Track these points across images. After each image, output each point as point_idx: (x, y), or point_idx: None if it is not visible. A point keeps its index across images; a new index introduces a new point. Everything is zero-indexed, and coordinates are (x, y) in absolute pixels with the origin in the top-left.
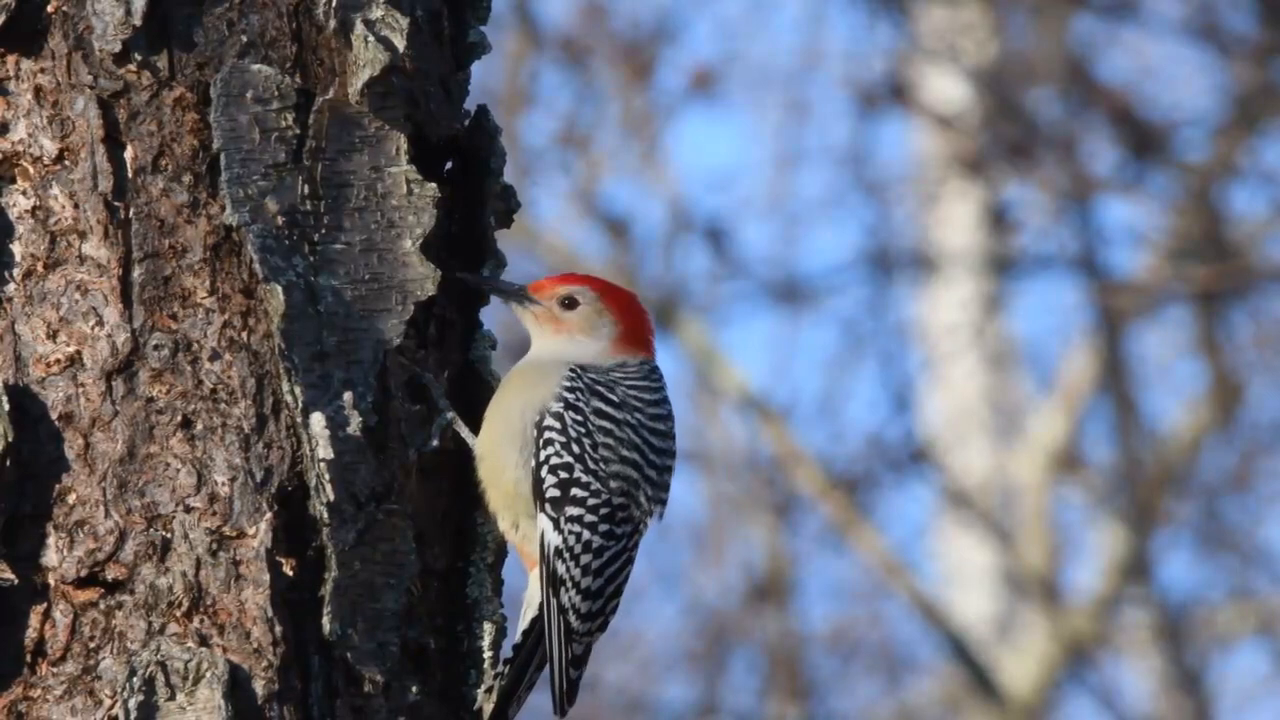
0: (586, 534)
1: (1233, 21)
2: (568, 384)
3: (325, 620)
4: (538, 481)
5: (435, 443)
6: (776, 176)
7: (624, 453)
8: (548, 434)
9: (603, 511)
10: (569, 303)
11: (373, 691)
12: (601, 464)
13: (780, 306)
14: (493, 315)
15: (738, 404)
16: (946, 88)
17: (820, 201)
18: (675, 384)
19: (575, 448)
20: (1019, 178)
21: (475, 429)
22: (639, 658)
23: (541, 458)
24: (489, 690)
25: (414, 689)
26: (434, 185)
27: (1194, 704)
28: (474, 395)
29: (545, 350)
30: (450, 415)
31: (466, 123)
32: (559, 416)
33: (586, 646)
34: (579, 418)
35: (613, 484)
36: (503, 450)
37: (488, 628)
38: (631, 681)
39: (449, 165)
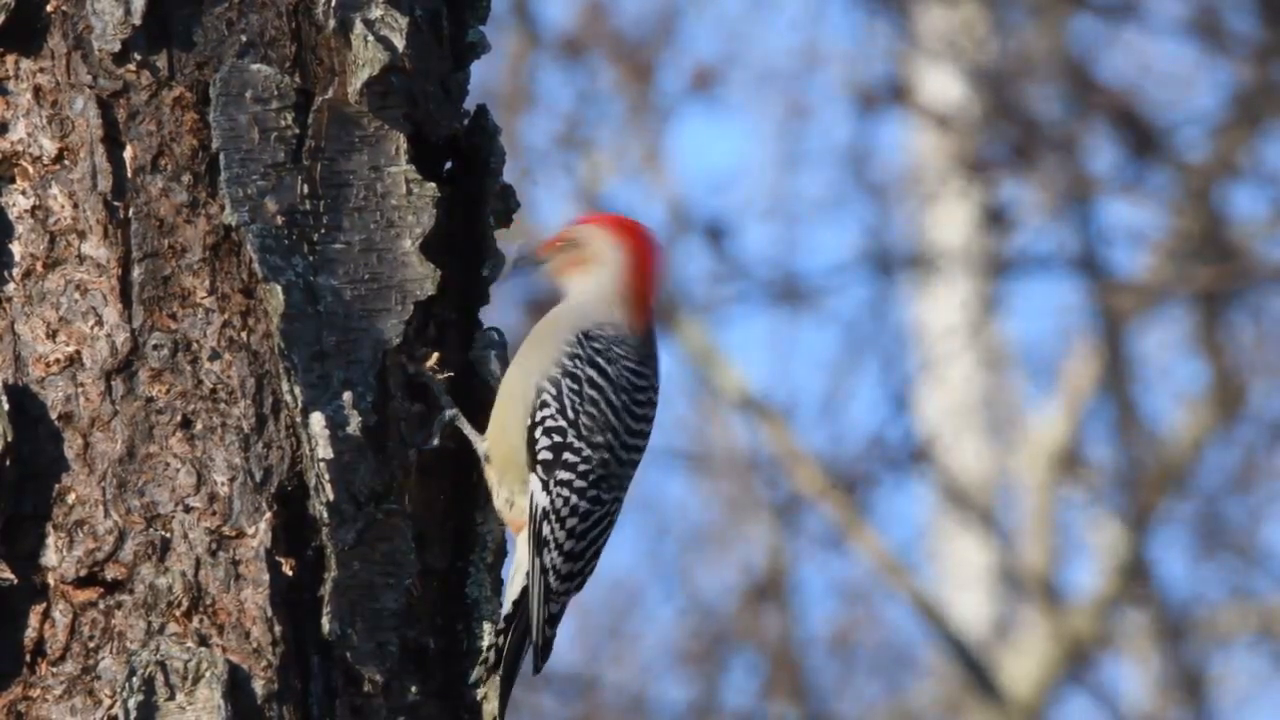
0: (574, 498)
1: (1233, 21)
2: (569, 349)
3: (325, 620)
4: (532, 442)
5: (435, 440)
6: (776, 177)
7: (604, 427)
8: (544, 397)
9: (591, 478)
10: (573, 244)
11: (372, 691)
12: (589, 432)
13: (780, 307)
14: (493, 315)
15: (738, 404)
16: (946, 88)
17: (820, 202)
18: (675, 384)
19: (570, 413)
20: (1019, 178)
21: (475, 429)
22: (639, 658)
23: (537, 419)
24: (484, 662)
25: (413, 689)
26: (433, 185)
27: (1194, 704)
28: (474, 395)
29: (569, 299)
30: (453, 412)
31: (466, 122)
32: (556, 382)
33: (562, 605)
34: (575, 386)
35: (597, 455)
36: (509, 413)
37: (487, 628)
38: (631, 681)
39: (448, 165)
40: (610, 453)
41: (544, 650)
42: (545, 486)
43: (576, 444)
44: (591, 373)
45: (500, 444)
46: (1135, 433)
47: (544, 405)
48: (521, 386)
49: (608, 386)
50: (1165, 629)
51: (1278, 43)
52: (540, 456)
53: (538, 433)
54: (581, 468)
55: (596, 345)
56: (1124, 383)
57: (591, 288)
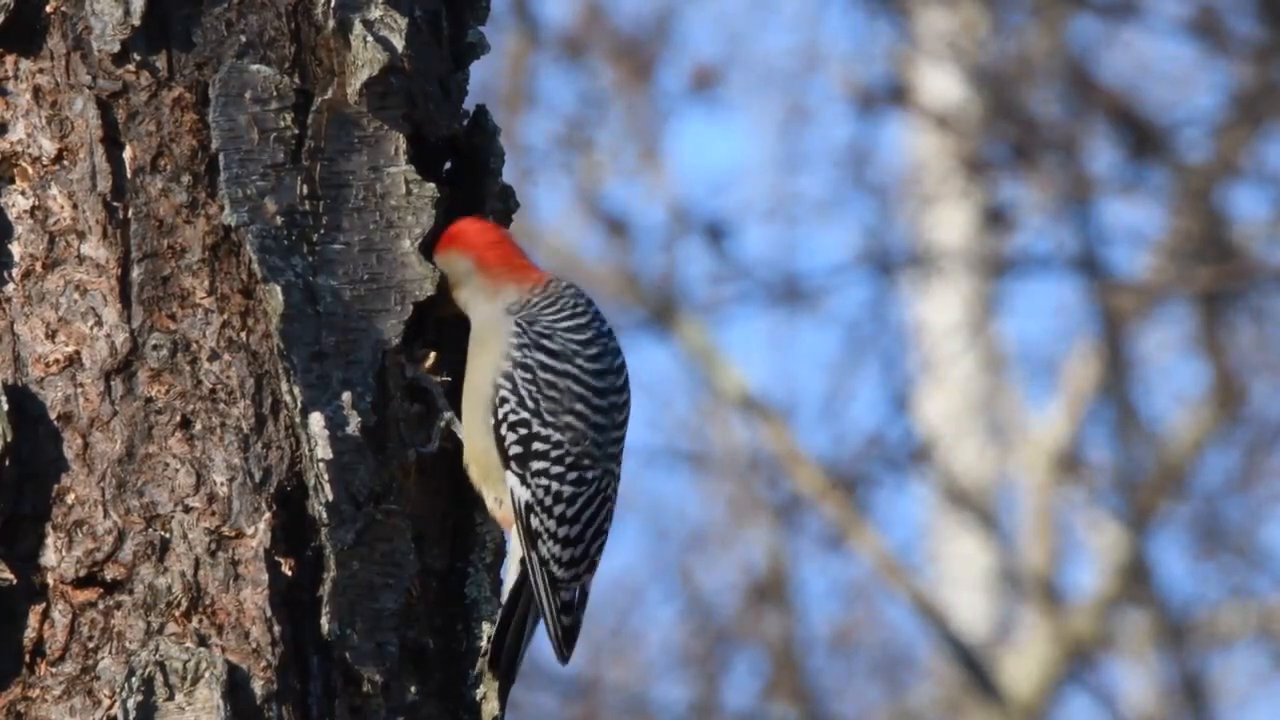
0: (555, 485)
1: (1233, 21)
2: (515, 340)
3: (324, 620)
4: (499, 440)
5: (434, 445)
6: (776, 177)
7: (570, 403)
8: (502, 392)
9: (568, 461)
10: (451, 275)
11: (371, 692)
12: (552, 415)
13: (780, 307)
14: None
15: (738, 404)
16: (946, 88)
17: (820, 202)
18: (675, 384)
19: (530, 403)
20: (1019, 178)
21: None
22: (639, 658)
23: (499, 415)
24: (483, 654)
25: (412, 689)
26: (433, 185)
27: (1194, 705)
28: None
29: (477, 314)
30: (449, 415)
31: (465, 122)
32: (509, 376)
33: (577, 591)
34: (528, 374)
35: (568, 434)
36: (474, 419)
37: (486, 628)
38: (632, 681)
39: (448, 165)
40: (584, 423)
41: (566, 640)
42: (523, 480)
43: (544, 431)
44: (541, 356)
45: (473, 448)
46: (1135, 434)
47: (503, 401)
48: (479, 387)
49: (558, 363)
50: (1165, 630)
51: (1278, 43)
52: (511, 452)
53: (503, 429)
54: (555, 454)
55: (539, 329)
56: (1124, 383)
57: (479, 297)
